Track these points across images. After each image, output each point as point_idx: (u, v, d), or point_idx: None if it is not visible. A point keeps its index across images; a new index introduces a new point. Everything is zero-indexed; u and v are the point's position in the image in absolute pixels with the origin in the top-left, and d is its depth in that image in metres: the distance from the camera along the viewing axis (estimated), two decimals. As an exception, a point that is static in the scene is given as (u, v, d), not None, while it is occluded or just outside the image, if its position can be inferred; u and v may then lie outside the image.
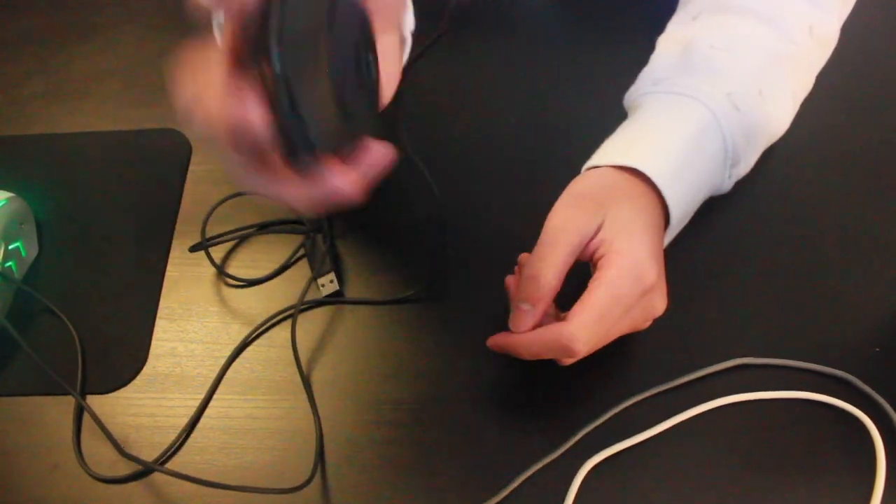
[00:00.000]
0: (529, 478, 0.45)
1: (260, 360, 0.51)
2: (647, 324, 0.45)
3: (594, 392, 0.48)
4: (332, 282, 0.53)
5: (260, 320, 0.53)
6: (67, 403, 0.51)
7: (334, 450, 0.48)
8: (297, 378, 0.50)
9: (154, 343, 0.53)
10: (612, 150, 0.47)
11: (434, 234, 0.55)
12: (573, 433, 0.46)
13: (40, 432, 0.50)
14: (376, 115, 0.36)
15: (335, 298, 0.53)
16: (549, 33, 0.65)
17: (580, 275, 0.44)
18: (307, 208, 0.34)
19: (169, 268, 0.56)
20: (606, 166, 0.46)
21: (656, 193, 0.45)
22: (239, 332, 0.53)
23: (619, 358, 0.48)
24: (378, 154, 0.35)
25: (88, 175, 0.62)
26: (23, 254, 0.56)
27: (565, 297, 0.44)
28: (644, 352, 0.49)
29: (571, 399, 0.48)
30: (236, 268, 0.55)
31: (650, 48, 0.53)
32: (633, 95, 0.51)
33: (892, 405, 0.45)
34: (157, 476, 0.47)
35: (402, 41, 0.48)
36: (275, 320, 0.53)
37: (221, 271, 0.55)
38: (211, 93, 0.30)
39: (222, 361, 0.51)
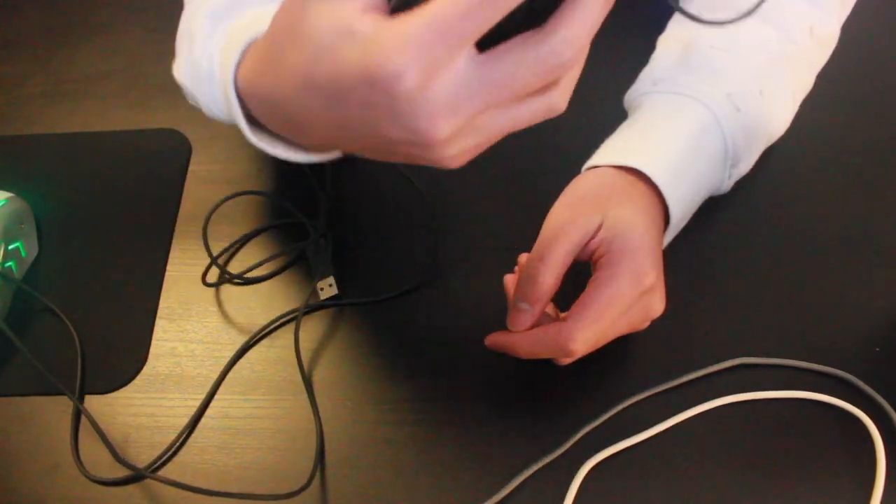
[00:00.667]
0: (529, 478, 0.45)
1: (260, 361, 0.51)
2: (646, 324, 0.45)
3: (594, 392, 0.48)
4: (331, 286, 0.53)
5: (260, 320, 0.53)
6: (67, 403, 0.50)
7: (334, 450, 0.47)
8: (297, 378, 0.50)
9: (154, 343, 0.53)
10: (612, 150, 0.47)
11: (434, 234, 0.55)
12: (573, 433, 0.46)
13: (40, 432, 0.50)
14: None
15: (335, 301, 0.53)
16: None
17: (579, 275, 0.44)
18: None
19: (169, 268, 0.56)
20: (606, 166, 0.46)
21: (656, 193, 0.45)
22: (239, 333, 0.53)
23: (618, 358, 0.48)
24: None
25: (88, 175, 0.62)
26: (23, 254, 0.56)
27: (565, 297, 0.44)
28: (644, 352, 0.49)
29: (571, 399, 0.48)
30: (236, 268, 0.55)
31: (650, 48, 0.53)
32: (633, 95, 0.51)
33: (892, 405, 0.45)
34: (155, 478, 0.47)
35: None
36: (278, 322, 0.53)
37: (223, 270, 0.55)
38: None
39: (222, 361, 0.51)
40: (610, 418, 0.47)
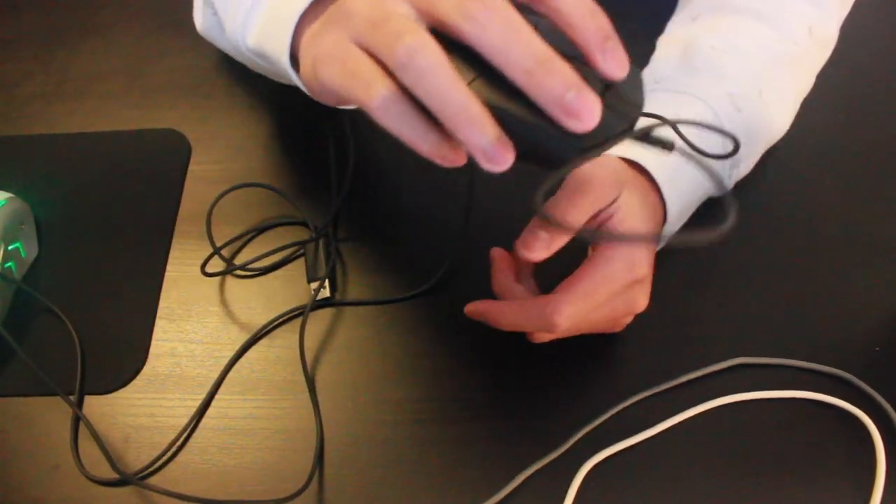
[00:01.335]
0: (529, 478, 0.45)
1: (260, 361, 0.51)
2: (628, 319, 0.45)
3: (594, 392, 0.48)
4: (324, 288, 0.53)
5: (260, 320, 0.53)
6: (67, 404, 0.51)
7: (334, 450, 0.47)
8: (297, 378, 0.50)
9: (154, 343, 0.53)
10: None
11: (434, 234, 0.55)
12: (573, 433, 0.46)
13: (40, 433, 0.50)
14: None
15: (334, 301, 0.53)
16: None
17: (568, 263, 0.43)
18: None
19: (169, 268, 0.56)
20: (614, 156, 0.46)
21: (656, 192, 0.46)
22: (239, 333, 0.53)
23: (618, 358, 0.49)
24: None
25: (88, 175, 0.62)
26: (22, 254, 0.56)
27: (552, 286, 0.43)
28: (644, 351, 0.49)
29: (571, 399, 0.48)
30: (238, 262, 0.55)
31: (650, 49, 0.53)
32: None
33: (892, 405, 0.45)
34: (154, 479, 0.47)
35: None
36: (281, 321, 0.53)
37: (225, 259, 0.55)
38: None
39: (222, 361, 0.51)
40: (610, 418, 0.47)
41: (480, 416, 0.48)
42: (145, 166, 0.62)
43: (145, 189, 0.60)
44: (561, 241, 0.42)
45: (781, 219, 0.53)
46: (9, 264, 0.54)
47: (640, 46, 0.52)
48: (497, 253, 0.46)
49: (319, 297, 0.52)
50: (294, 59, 0.40)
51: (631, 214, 0.43)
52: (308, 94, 0.38)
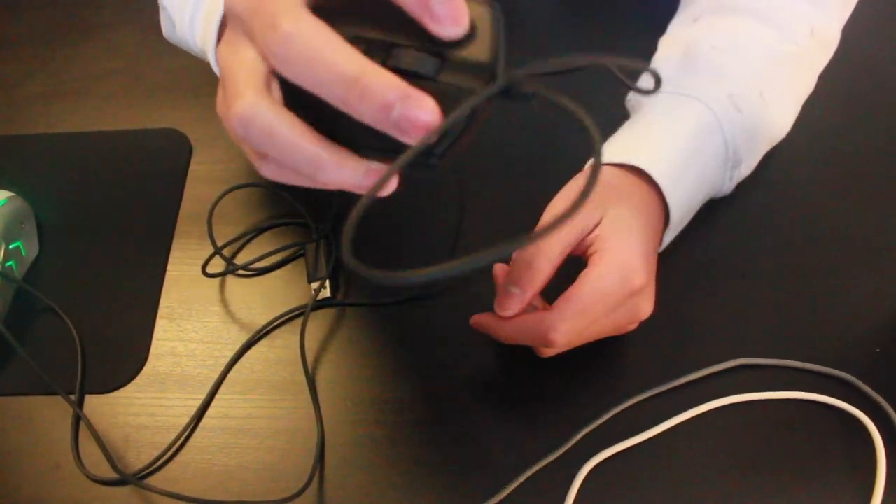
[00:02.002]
0: (529, 478, 0.45)
1: (261, 361, 0.51)
2: (633, 326, 0.45)
3: (594, 392, 0.48)
4: (324, 287, 0.53)
5: (260, 320, 0.53)
6: (67, 403, 0.50)
7: (334, 450, 0.48)
8: (298, 378, 0.50)
9: (154, 343, 0.53)
10: (614, 149, 0.47)
11: (435, 234, 0.55)
12: (573, 433, 0.46)
13: (40, 432, 0.50)
14: None
15: (335, 301, 0.53)
16: (552, 34, 0.65)
17: (572, 270, 0.43)
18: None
19: (169, 267, 0.56)
20: (608, 164, 0.46)
21: (657, 193, 0.45)
22: (239, 333, 0.53)
23: (619, 358, 0.49)
24: None
25: (88, 175, 0.62)
26: (23, 253, 0.56)
27: (556, 292, 0.43)
28: (644, 352, 0.49)
29: (571, 399, 0.48)
30: (238, 262, 0.55)
31: (651, 49, 0.53)
32: (635, 96, 0.51)
33: (892, 405, 0.45)
34: (154, 479, 0.47)
35: None
36: (281, 321, 0.53)
37: (226, 259, 0.55)
38: None
39: (222, 361, 0.51)
40: (610, 418, 0.47)
41: (481, 417, 0.48)
42: (146, 166, 0.62)
43: (146, 189, 0.60)
44: (535, 290, 0.43)
45: (781, 219, 0.53)
46: (9, 263, 0.54)
47: (642, 47, 0.53)
48: (500, 268, 0.47)
49: (320, 297, 0.52)
50: None
51: (616, 230, 0.43)
52: None
